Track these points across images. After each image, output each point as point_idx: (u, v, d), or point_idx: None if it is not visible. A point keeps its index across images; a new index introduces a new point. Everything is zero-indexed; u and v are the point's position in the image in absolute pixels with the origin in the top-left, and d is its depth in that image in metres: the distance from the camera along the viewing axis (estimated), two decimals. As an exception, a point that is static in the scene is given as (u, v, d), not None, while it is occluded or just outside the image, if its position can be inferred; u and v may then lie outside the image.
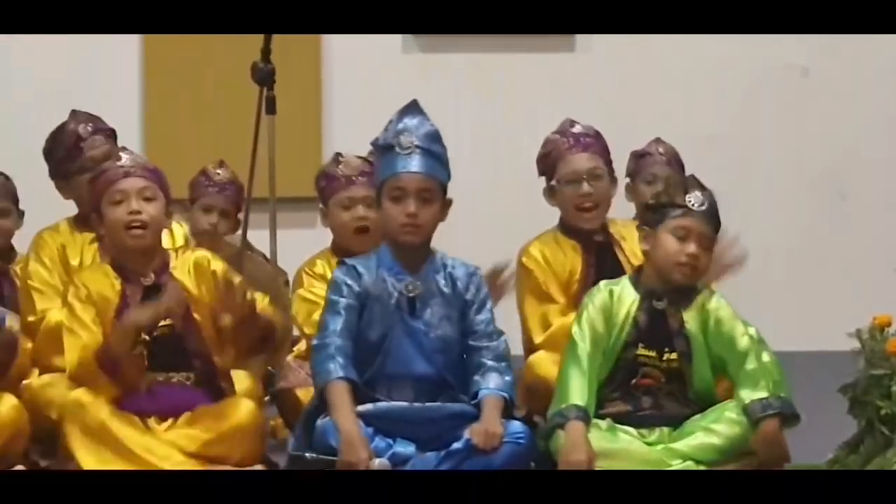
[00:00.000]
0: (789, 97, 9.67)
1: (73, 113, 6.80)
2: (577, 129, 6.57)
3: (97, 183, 5.88)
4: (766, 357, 5.73)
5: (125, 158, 5.87)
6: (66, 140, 6.68)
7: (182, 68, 9.70)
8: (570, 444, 5.48)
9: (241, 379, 6.06)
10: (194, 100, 9.41)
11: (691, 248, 5.66)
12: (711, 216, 5.76)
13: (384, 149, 5.78)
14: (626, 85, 9.41)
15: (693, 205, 5.72)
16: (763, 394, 5.56)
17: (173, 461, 5.64)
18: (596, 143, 6.65)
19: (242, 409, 5.72)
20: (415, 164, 5.70)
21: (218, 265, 5.95)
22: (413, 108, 5.84)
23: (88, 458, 5.60)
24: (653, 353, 5.75)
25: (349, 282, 5.70)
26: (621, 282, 5.86)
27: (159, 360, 5.75)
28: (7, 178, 7.16)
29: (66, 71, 9.82)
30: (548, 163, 6.51)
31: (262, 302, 5.99)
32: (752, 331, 5.78)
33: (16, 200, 7.04)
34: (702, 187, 5.83)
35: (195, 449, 5.63)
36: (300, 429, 5.76)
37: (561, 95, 9.05)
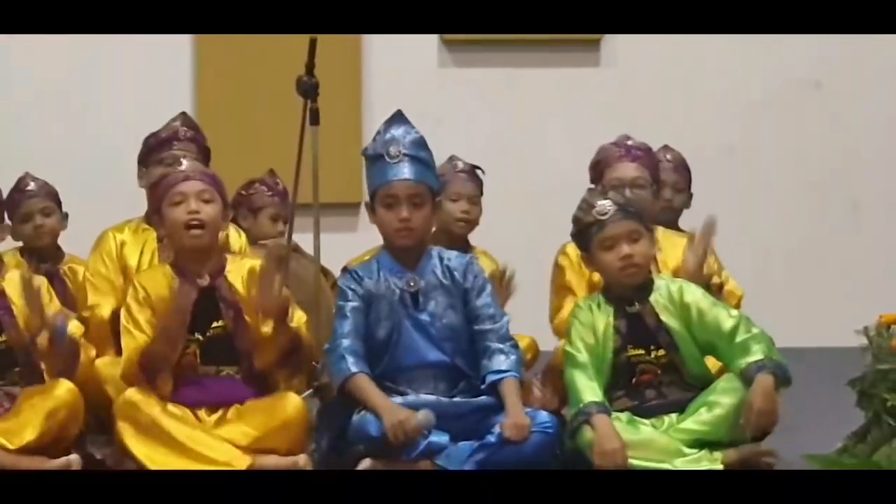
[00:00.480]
0: (798, 109, 9.74)
1: (183, 114, 7.00)
2: (630, 141, 6.69)
3: (159, 187, 5.99)
4: (754, 329, 5.83)
5: (185, 164, 6.03)
6: (165, 131, 6.84)
7: (232, 80, 9.66)
8: (602, 435, 5.59)
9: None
10: (243, 108, 9.34)
11: (623, 250, 5.81)
12: (624, 212, 5.91)
13: (374, 158, 5.94)
14: (645, 97, 9.41)
15: (602, 215, 5.88)
16: (758, 356, 5.69)
17: (230, 455, 5.76)
18: (646, 156, 6.74)
19: (290, 404, 5.84)
20: (404, 171, 5.84)
21: (254, 264, 6.09)
22: (398, 117, 6.01)
23: (143, 453, 5.75)
24: (642, 352, 5.89)
25: (352, 286, 5.87)
26: (597, 298, 6.01)
27: (210, 356, 5.86)
28: (46, 182, 7.30)
29: (121, 75, 9.77)
30: (598, 169, 6.60)
31: (300, 319, 6.10)
32: (734, 312, 5.91)
33: (58, 202, 7.21)
34: (603, 194, 6.00)
35: (246, 444, 5.76)
36: (323, 431, 5.91)
37: (583, 108, 9.08)
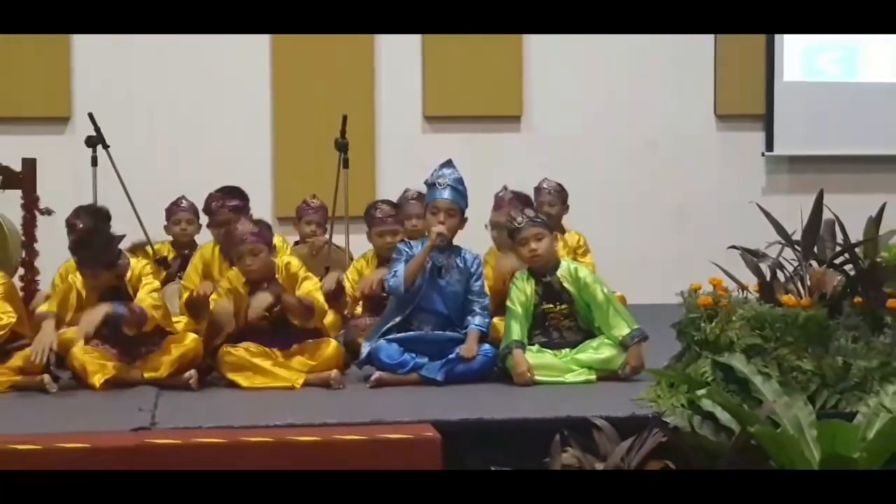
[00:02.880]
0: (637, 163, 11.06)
1: (212, 194, 7.84)
2: (508, 192, 7.72)
3: (230, 240, 7.01)
4: (617, 305, 6.91)
5: (240, 230, 6.90)
6: (206, 207, 7.83)
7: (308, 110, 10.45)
8: (516, 362, 6.72)
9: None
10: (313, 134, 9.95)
11: (531, 246, 6.92)
12: (532, 223, 6.94)
13: (430, 185, 7.04)
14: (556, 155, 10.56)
15: (519, 223, 6.98)
16: (628, 329, 6.81)
17: (292, 377, 6.73)
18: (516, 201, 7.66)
19: (331, 344, 6.91)
20: (446, 194, 6.97)
21: (291, 262, 7.03)
22: (448, 163, 7.09)
23: (241, 380, 6.74)
24: (552, 306, 6.95)
25: (406, 249, 6.98)
26: (526, 272, 7.00)
27: (278, 320, 6.89)
28: (193, 203, 8.11)
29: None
30: (498, 206, 7.68)
31: (314, 287, 6.97)
32: (604, 289, 6.93)
33: (197, 215, 8.14)
34: (521, 212, 7.08)
35: (305, 369, 6.78)
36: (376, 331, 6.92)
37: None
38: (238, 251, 6.89)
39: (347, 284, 7.67)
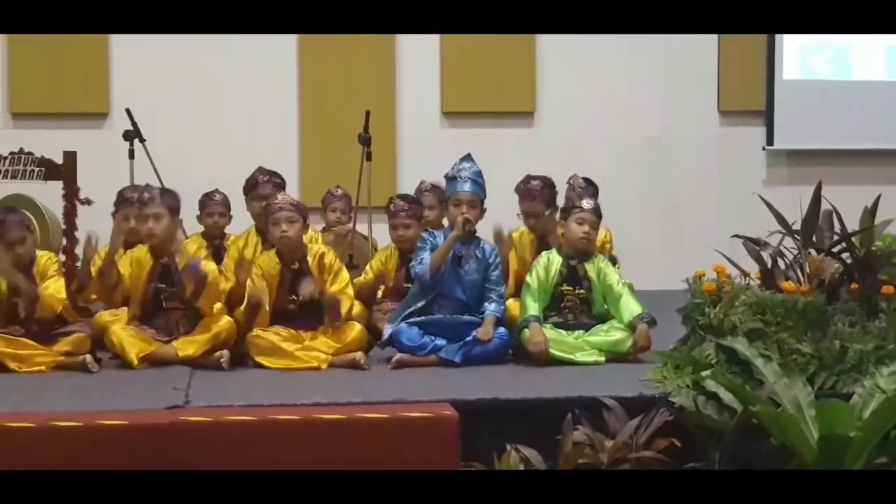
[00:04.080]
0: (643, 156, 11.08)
1: (260, 168, 7.96)
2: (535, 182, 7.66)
3: (266, 212, 7.06)
4: (630, 292, 6.95)
5: (280, 199, 6.99)
6: (251, 180, 7.87)
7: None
8: (532, 334, 6.71)
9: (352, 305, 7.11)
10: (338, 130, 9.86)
11: (586, 228, 6.98)
12: (596, 212, 7.03)
13: (450, 179, 7.11)
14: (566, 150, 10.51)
15: (585, 206, 7.04)
16: (637, 311, 6.85)
17: (319, 358, 6.74)
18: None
19: (355, 327, 6.92)
20: (467, 186, 7.04)
21: (327, 253, 7.01)
22: (467, 156, 7.17)
23: (268, 363, 6.74)
24: (571, 289, 6.99)
25: (430, 238, 7.02)
26: (553, 251, 7.06)
27: (304, 305, 6.89)
28: (225, 195, 8.02)
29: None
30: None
31: (346, 284, 6.96)
32: (621, 279, 7.00)
33: (228, 207, 8.05)
34: (591, 198, 7.24)
35: (331, 351, 6.79)
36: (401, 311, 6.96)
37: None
38: (275, 217, 6.89)
39: (369, 272, 7.61)
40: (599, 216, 7.09)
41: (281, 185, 7.72)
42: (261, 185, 7.74)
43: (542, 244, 7.53)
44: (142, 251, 7.01)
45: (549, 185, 7.73)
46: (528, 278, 6.98)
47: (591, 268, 7.04)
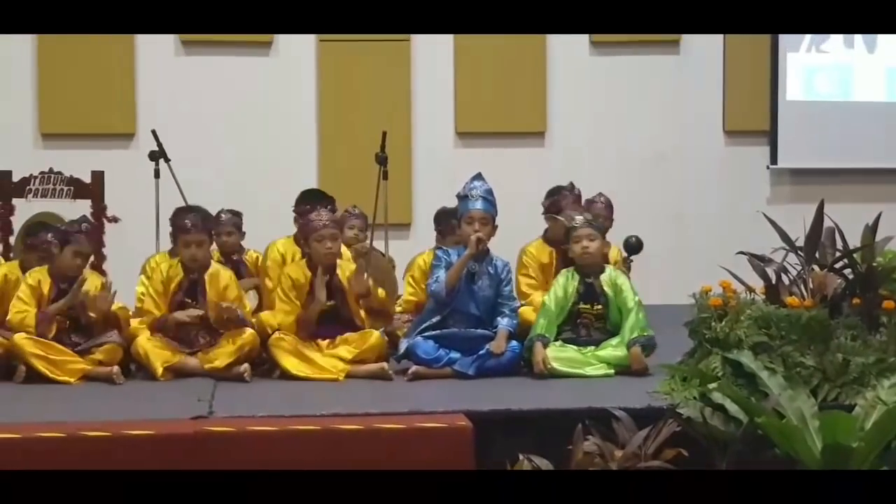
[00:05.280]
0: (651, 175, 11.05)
1: (344, 211, 7.86)
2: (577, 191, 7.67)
3: (309, 226, 7.09)
4: (641, 313, 6.87)
5: (324, 216, 7.06)
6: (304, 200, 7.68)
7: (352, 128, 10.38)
8: (535, 353, 6.77)
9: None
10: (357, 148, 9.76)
11: (583, 244, 6.96)
12: (589, 224, 6.99)
13: (462, 197, 7.07)
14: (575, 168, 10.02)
15: (576, 223, 7.03)
16: (635, 334, 6.81)
17: (337, 367, 6.78)
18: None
19: (374, 336, 6.94)
20: (479, 204, 7.00)
21: (352, 267, 7.10)
22: (478, 175, 7.11)
23: (290, 366, 6.78)
24: (588, 306, 6.98)
25: (444, 257, 7.02)
26: (572, 270, 7.02)
27: (329, 314, 6.96)
28: (234, 214, 7.98)
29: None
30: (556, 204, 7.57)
31: (382, 293, 7.11)
32: (636, 297, 6.92)
33: (237, 225, 8.04)
34: (579, 214, 7.13)
35: (350, 358, 6.84)
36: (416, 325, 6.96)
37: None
38: (320, 234, 6.96)
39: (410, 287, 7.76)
40: (595, 226, 7.07)
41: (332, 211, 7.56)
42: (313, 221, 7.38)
43: (563, 258, 7.45)
44: (175, 267, 7.12)
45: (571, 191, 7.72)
46: (545, 297, 7.00)
47: (606, 283, 7.02)
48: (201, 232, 7.03)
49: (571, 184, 7.82)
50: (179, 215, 7.19)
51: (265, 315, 7.19)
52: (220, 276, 7.12)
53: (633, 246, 7.61)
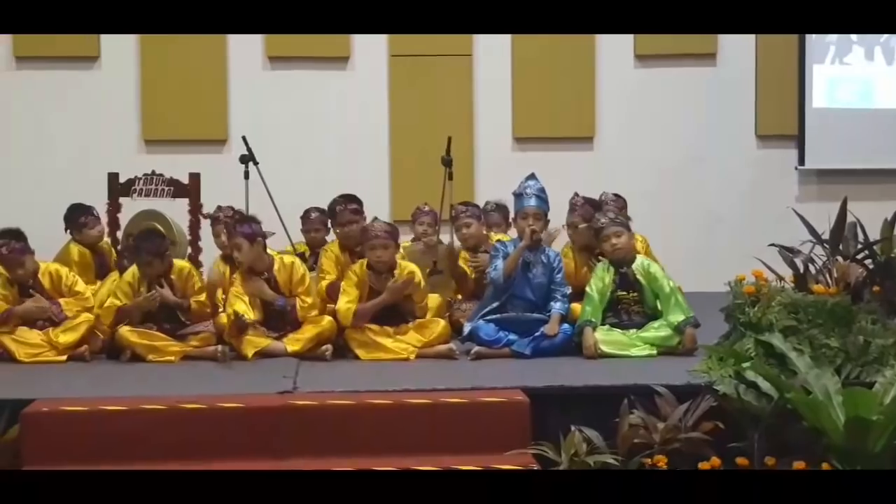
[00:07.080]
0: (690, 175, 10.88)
1: (337, 197, 7.61)
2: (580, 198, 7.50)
3: (365, 234, 7.04)
4: (679, 297, 6.86)
5: (377, 227, 6.98)
6: (331, 208, 7.67)
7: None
8: (585, 338, 6.75)
9: (433, 299, 7.24)
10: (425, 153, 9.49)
11: (612, 241, 6.95)
12: (613, 223, 6.96)
13: (518, 195, 7.14)
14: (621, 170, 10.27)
15: (603, 224, 7.01)
16: (683, 317, 6.79)
17: (408, 349, 6.80)
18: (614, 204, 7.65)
19: (441, 323, 7.00)
20: (532, 202, 7.05)
21: (416, 272, 7.01)
22: (532, 175, 7.17)
23: (363, 354, 6.82)
24: (625, 293, 6.97)
25: (502, 248, 7.00)
26: (606, 262, 7.00)
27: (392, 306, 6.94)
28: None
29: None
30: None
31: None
32: (671, 282, 6.90)
33: (325, 222, 7.97)
34: (603, 214, 7.09)
35: (419, 344, 6.86)
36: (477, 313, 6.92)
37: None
38: (371, 244, 6.90)
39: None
40: (620, 223, 7.01)
41: (358, 210, 7.55)
42: (339, 215, 7.58)
43: (588, 254, 7.46)
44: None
45: (591, 203, 7.60)
46: (587, 288, 6.96)
47: (639, 272, 6.98)
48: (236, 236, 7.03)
49: (576, 193, 7.70)
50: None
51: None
52: (294, 267, 7.13)
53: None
